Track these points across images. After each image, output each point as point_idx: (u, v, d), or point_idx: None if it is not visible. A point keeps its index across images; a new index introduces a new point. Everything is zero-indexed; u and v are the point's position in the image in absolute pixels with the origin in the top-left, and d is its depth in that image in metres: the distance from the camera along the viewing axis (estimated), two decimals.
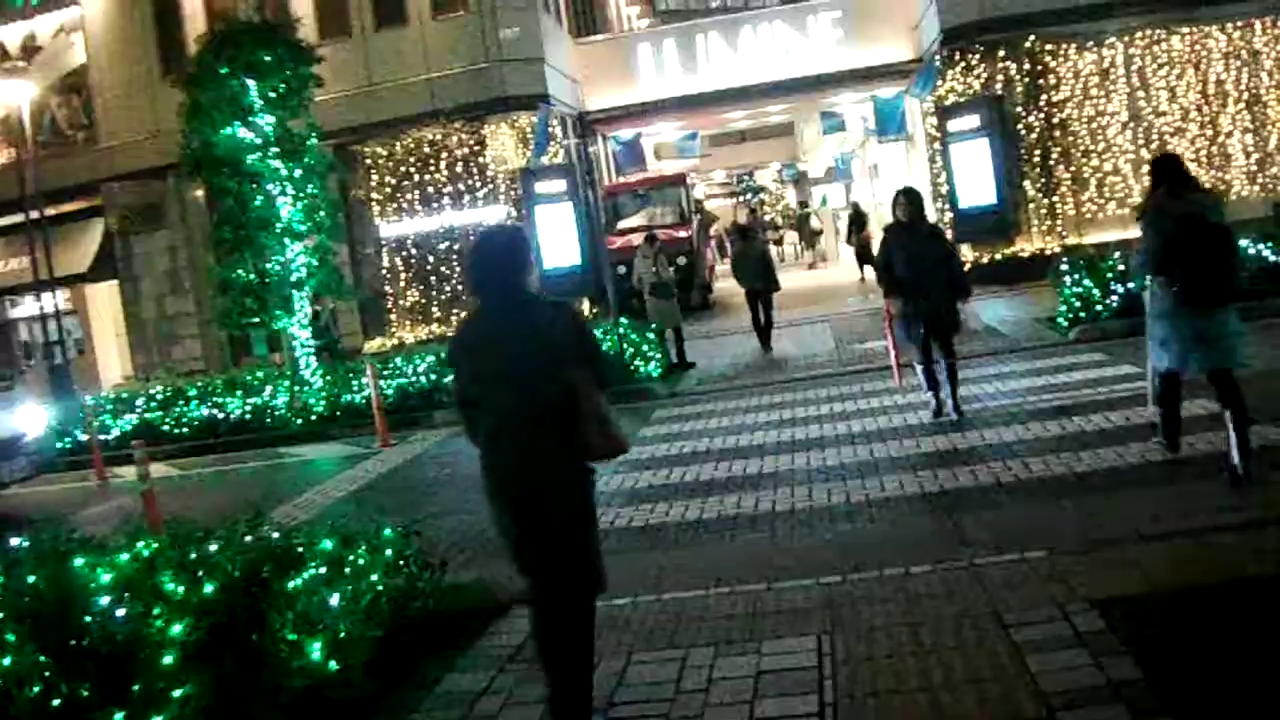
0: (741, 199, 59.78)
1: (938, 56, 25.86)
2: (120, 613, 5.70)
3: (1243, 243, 16.34)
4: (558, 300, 5.84)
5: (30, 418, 15.55)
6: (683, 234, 28.57)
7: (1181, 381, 8.89)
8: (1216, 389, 8.38)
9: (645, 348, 17.62)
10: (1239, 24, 24.97)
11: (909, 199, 12.20)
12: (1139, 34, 25.08)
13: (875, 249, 16.57)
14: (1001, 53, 24.96)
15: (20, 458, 14.85)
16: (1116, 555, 6.87)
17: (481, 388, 5.50)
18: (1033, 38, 24.85)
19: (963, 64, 25.32)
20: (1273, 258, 16.36)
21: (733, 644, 6.34)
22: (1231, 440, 8.15)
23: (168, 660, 5.44)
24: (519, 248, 5.61)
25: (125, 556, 6.45)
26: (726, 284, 28.53)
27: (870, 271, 31.32)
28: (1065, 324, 16.74)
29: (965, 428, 11.54)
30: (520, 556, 5.47)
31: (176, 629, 5.57)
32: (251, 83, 18.68)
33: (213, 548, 6.50)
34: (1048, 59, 25.03)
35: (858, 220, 31.89)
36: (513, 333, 5.40)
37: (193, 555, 6.37)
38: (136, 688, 5.30)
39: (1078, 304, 16.64)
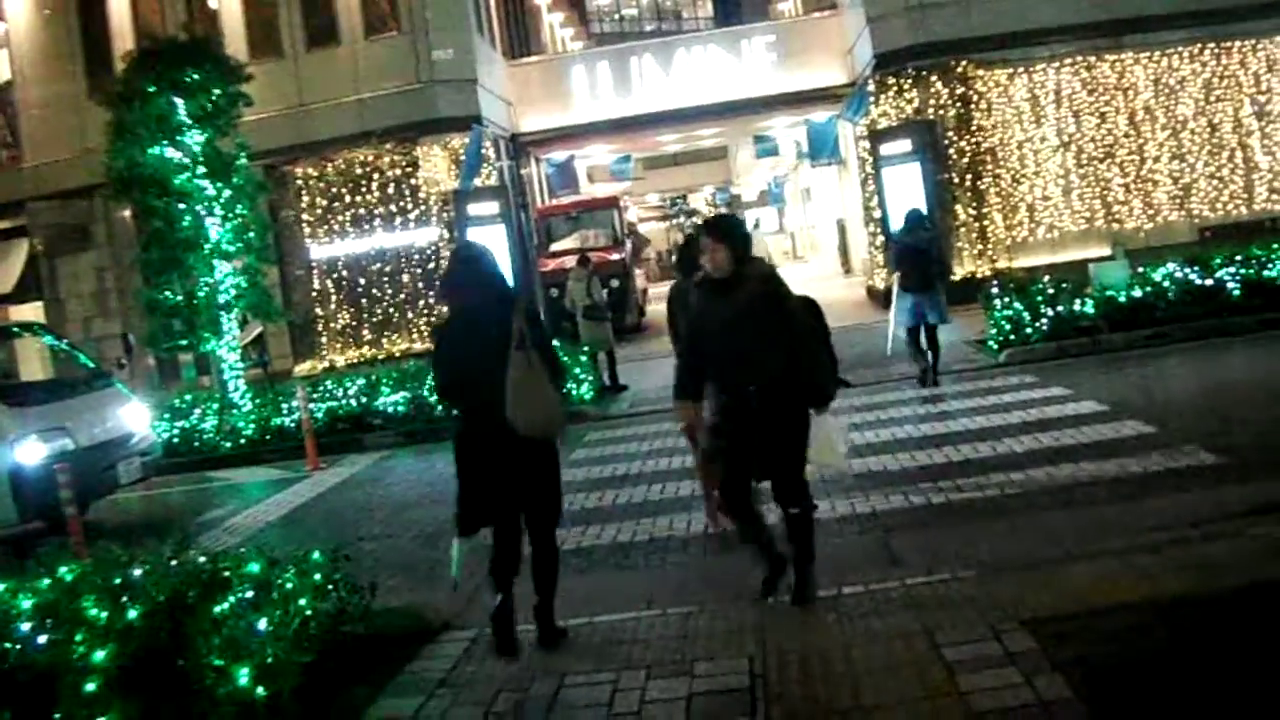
0: (674, 222, 60.03)
1: (870, 81, 26.03)
2: (41, 639, 5.60)
3: (1170, 267, 16.77)
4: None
5: (137, 416, 14.94)
6: (616, 256, 28.59)
7: (915, 331, 15.43)
8: (926, 335, 15.42)
9: (577, 370, 17.57)
10: (1166, 52, 25.34)
11: (717, 234, 7.23)
12: (1068, 61, 25.39)
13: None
14: (934, 78, 25.18)
15: (134, 458, 14.18)
16: (1046, 575, 6.91)
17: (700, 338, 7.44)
18: (964, 63, 25.08)
19: (895, 88, 25.47)
20: (1199, 281, 16.61)
21: (665, 666, 6.31)
22: (930, 360, 15.48)
23: (90, 687, 5.34)
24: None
25: (46, 582, 6.33)
26: (659, 306, 28.49)
27: None
28: (995, 346, 16.90)
29: (895, 450, 11.60)
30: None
31: (99, 655, 5.47)
32: (179, 101, 18.38)
33: (137, 572, 6.38)
34: (979, 84, 25.25)
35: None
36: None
37: (116, 580, 6.25)
38: (58, 716, 5.21)
39: (1008, 327, 16.80)
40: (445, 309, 8.03)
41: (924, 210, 18.22)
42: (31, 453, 12.70)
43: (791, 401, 7.05)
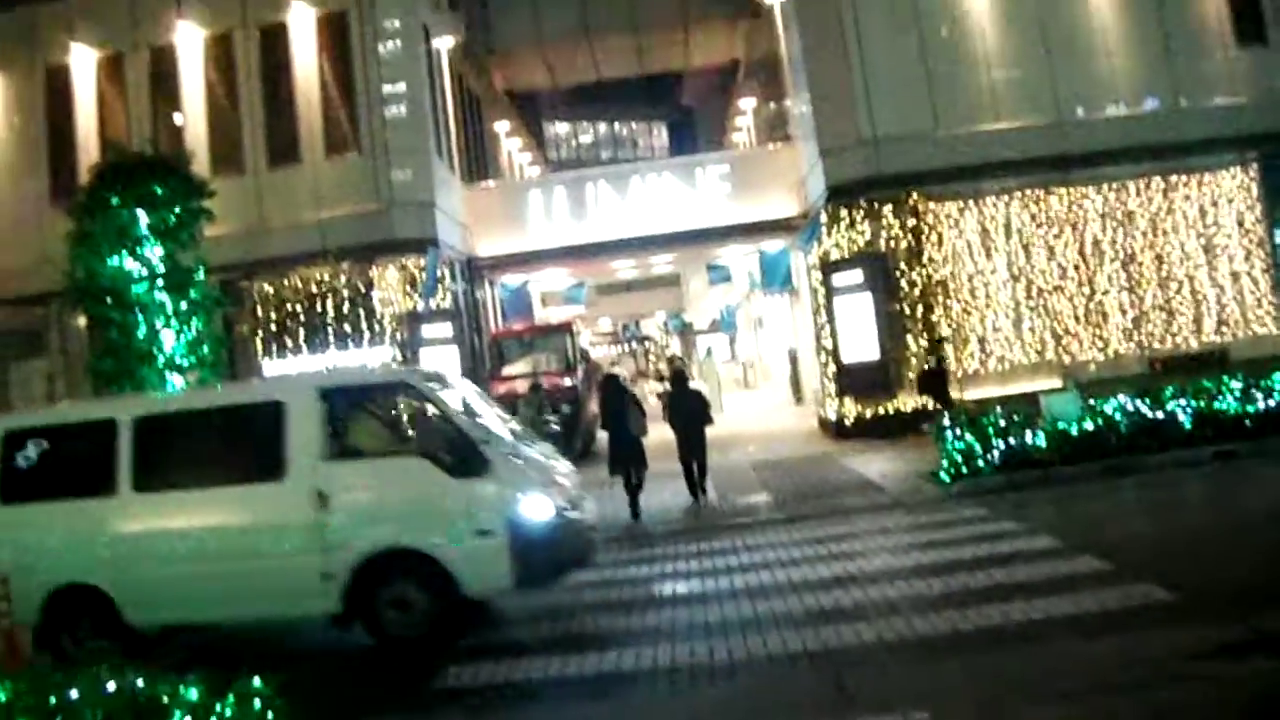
0: (626, 349, 60.40)
1: (823, 212, 26.31)
2: None
3: (1121, 399, 16.89)
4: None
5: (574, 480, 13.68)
6: (568, 382, 28.55)
7: None
8: None
9: None
10: (1113, 186, 25.84)
11: None
12: (1018, 194, 25.82)
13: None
14: (885, 210, 25.50)
15: (594, 527, 12.99)
16: (1000, 715, 6.84)
17: (678, 412, 19.03)
18: (915, 196, 25.42)
19: (847, 220, 25.74)
20: (1150, 414, 16.72)
21: None
22: None
23: None
24: (686, 372, 23.99)
25: None
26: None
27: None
28: (947, 479, 16.90)
29: (848, 584, 11.52)
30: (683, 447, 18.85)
31: None
32: (142, 214, 18.49)
33: (74, 694, 6.19)
34: (930, 217, 25.57)
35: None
36: (685, 395, 19.48)
37: (52, 701, 6.06)
38: None
39: (959, 459, 16.83)
40: (603, 396, 19.46)
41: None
42: (538, 508, 11.15)
43: None
